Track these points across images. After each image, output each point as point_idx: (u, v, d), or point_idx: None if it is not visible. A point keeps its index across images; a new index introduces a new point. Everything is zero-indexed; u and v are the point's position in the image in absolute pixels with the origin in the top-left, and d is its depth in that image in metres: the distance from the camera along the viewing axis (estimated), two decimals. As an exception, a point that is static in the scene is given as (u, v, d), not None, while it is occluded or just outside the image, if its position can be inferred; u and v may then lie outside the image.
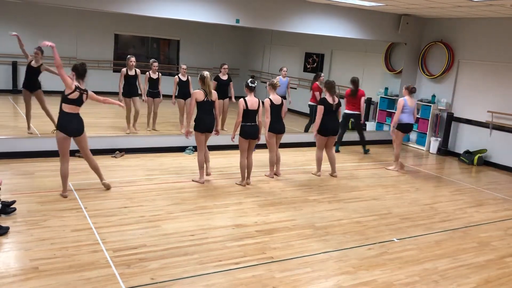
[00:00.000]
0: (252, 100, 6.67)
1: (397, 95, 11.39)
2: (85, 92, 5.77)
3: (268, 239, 5.03)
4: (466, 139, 10.24)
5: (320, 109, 7.46)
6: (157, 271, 4.13)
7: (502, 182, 8.53)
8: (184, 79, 9.61)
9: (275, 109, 7.13)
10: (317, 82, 10.25)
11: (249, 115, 6.67)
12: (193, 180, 6.90)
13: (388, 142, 11.30)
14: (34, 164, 7.13)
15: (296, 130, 11.08)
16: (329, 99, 7.48)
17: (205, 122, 6.68)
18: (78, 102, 5.73)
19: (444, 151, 10.51)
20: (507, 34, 9.39)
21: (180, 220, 5.37)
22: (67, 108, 5.69)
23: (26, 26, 12.89)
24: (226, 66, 10.12)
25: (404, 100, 8.27)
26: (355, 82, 9.46)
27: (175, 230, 5.06)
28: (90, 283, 3.83)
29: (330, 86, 7.51)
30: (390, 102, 11.53)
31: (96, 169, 6.13)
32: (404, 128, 8.37)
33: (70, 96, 5.65)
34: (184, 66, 9.75)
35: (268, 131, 7.20)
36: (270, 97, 7.13)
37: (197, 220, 5.39)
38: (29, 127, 8.69)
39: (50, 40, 5.75)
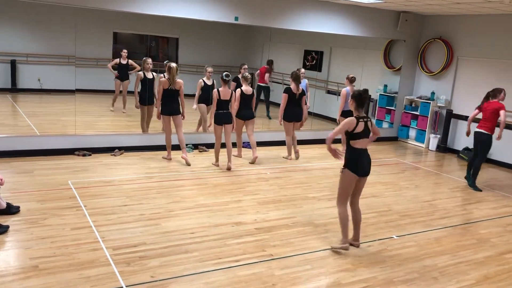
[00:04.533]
0: (225, 91, 7.45)
1: (396, 92, 11.39)
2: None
3: (267, 236, 5.04)
4: (465, 136, 10.23)
5: (285, 97, 8.29)
6: (157, 269, 4.14)
7: (501, 179, 8.54)
8: (209, 83, 8.87)
9: (246, 99, 8.02)
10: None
11: (222, 104, 7.48)
12: (163, 158, 7.88)
13: (387, 139, 11.32)
14: (34, 162, 7.13)
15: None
16: (294, 89, 8.26)
17: (169, 106, 7.58)
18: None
19: (443, 148, 10.52)
20: (506, 31, 9.39)
21: (180, 218, 5.38)
22: None
23: (24, 24, 12.84)
24: (245, 67, 9.69)
25: (347, 90, 8.96)
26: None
27: (175, 228, 5.06)
28: (90, 281, 3.84)
29: (296, 77, 8.27)
30: (389, 99, 11.53)
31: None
32: (347, 115, 8.95)
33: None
34: (210, 69, 9.06)
35: (236, 117, 7.98)
36: (242, 88, 8.00)
37: (197, 218, 5.40)
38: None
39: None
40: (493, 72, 9.72)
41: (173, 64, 7.57)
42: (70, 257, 4.22)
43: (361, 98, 4.73)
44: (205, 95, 8.88)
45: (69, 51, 13.98)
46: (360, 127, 4.67)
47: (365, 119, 4.72)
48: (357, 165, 4.70)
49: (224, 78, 7.45)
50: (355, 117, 4.69)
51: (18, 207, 5.21)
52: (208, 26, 13.45)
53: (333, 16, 9.81)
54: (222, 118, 7.50)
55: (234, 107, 7.85)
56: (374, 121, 11.85)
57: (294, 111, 8.38)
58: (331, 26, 9.90)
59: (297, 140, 9.88)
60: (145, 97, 8.72)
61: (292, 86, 8.29)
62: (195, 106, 9.02)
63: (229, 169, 7.50)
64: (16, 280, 3.79)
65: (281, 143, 9.62)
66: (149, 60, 8.81)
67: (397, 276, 4.36)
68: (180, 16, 8.28)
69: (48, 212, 5.24)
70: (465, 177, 7.85)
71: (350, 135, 4.69)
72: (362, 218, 4.88)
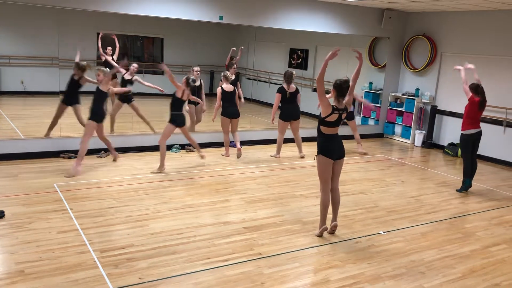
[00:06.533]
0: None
1: (381, 89, 11.47)
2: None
3: (256, 235, 5.04)
4: (450, 131, 10.37)
5: (278, 96, 8.34)
6: (145, 270, 4.11)
7: (485, 173, 8.65)
8: (197, 83, 8.63)
9: (227, 96, 8.14)
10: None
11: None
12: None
13: (373, 136, 11.40)
14: (18, 166, 7.04)
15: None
16: (286, 88, 8.33)
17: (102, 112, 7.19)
18: None
19: (429, 143, 10.63)
20: (488, 27, 9.52)
21: (167, 219, 5.36)
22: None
23: (6, 26, 12.66)
24: (196, 69, 9.20)
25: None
26: None
27: (162, 229, 5.04)
28: (78, 285, 3.80)
29: (289, 76, 8.32)
30: (375, 96, 11.61)
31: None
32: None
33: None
34: (196, 68, 8.95)
35: (221, 115, 8.15)
36: (222, 86, 8.15)
37: (185, 219, 5.38)
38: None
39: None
40: (476, 68, 9.80)
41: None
42: (56, 261, 4.18)
43: (341, 87, 4.92)
44: (194, 96, 8.85)
45: (53, 52, 13.83)
46: (333, 118, 4.88)
47: (340, 111, 4.89)
48: (329, 149, 4.92)
49: (191, 84, 7.29)
50: (332, 106, 4.88)
51: (2, 212, 5.14)
52: (193, 25, 13.48)
53: (317, 15, 9.84)
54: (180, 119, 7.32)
55: (215, 106, 8.11)
56: (358, 118, 11.93)
57: (289, 110, 8.41)
58: (316, 25, 9.93)
59: (285, 138, 9.93)
60: (123, 97, 8.91)
61: (285, 85, 8.34)
62: (187, 108, 8.95)
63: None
64: (1, 286, 3.74)
65: (267, 141, 9.65)
66: (135, 65, 8.96)
67: (385, 272, 4.39)
68: (164, 16, 8.24)
69: (33, 216, 5.18)
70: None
71: (322, 121, 4.92)
72: (348, 214, 4.93)
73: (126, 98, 8.91)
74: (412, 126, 10.92)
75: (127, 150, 8.28)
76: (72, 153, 7.65)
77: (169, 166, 7.58)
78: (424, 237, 5.33)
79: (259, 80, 14.14)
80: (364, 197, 6.65)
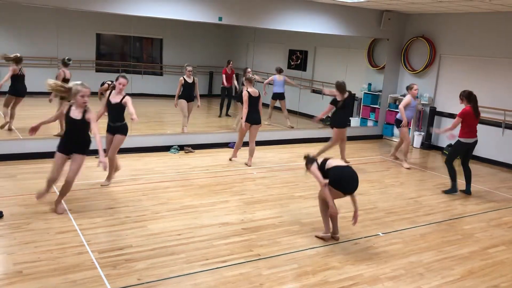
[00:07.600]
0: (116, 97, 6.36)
1: (380, 91, 11.48)
2: None
3: (255, 236, 5.04)
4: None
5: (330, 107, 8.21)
6: (144, 271, 4.11)
7: (484, 174, 8.66)
8: (189, 80, 9.29)
9: (254, 101, 7.79)
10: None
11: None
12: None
13: (372, 137, 11.39)
14: (17, 166, 7.03)
15: (281, 127, 11.10)
16: (339, 98, 8.10)
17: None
18: None
19: (428, 145, 10.64)
20: (486, 29, 9.53)
21: (166, 219, 5.35)
22: None
23: (5, 26, 12.65)
24: (249, 70, 10.01)
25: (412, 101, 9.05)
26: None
27: (161, 230, 5.04)
28: (76, 286, 3.80)
29: (341, 87, 8.05)
30: (374, 97, 11.62)
31: None
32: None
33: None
34: (189, 68, 9.35)
35: (245, 121, 7.81)
36: (248, 90, 7.76)
37: (184, 220, 5.38)
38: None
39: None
40: (475, 69, 9.85)
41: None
42: (55, 262, 4.17)
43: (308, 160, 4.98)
44: (186, 93, 9.28)
45: (52, 53, 13.80)
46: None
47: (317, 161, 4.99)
48: (341, 181, 4.83)
49: (119, 83, 6.24)
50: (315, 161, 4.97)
51: (1, 212, 5.13)
52: (193, 26, 13.44)
53: (317, 16, 9.85)
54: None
55: (243, 111, 7.75)
56: (357, 119, 11.94)
57: (343, 117, 8.42)
58: (315, 26, 9.94)
59: (281, 140, 9.95)
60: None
61: (339, 96, 8.08)
62: (176, 102, 9.31)
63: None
64: (0, 286, 3.74)
65: (266, 142, 9.65)
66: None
67: (384, 273, 4.39)
68: (163, 17, 8.24)
69: (32, 216, 5.17)
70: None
71: (322, 171, 4.89)
72: (347, 216, 4.92)
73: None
74: (411, 127, 10.91)
75: (126, 151, 8.26)
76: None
77: (168, 167, 7.58)
78: (423, 238, 5.33)
79: (257, 81, 14.10)
80: (363, 198, 6.64)
